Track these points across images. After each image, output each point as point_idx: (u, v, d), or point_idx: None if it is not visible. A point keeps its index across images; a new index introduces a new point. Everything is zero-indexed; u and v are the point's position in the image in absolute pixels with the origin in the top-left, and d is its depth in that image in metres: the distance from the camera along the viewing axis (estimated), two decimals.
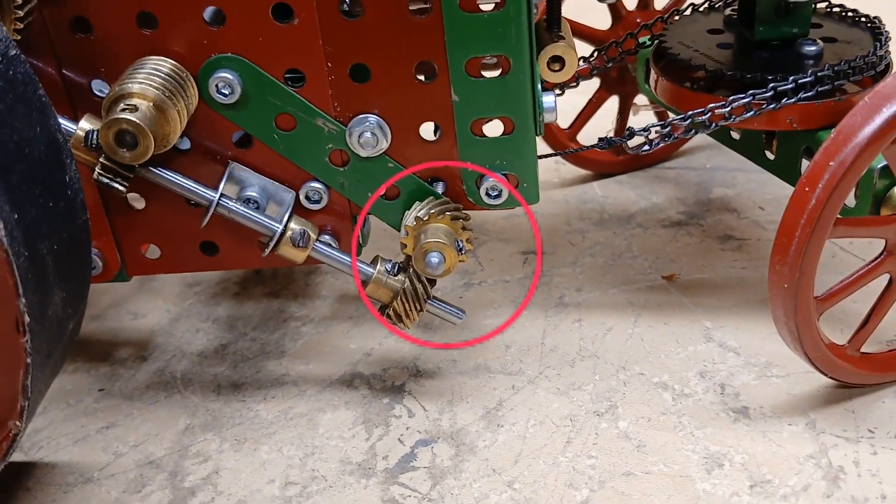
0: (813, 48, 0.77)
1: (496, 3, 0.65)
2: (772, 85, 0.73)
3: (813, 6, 0.84)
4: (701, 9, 0.90)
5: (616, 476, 0.69)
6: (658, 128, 0.76)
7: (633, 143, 0.78)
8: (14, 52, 0.56)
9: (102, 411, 0.79)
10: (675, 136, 0.76)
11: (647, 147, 0.76)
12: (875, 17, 0.83)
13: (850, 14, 0.84)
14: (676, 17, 0.89)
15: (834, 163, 0.63)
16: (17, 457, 0.74)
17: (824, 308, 0.70)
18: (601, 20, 1.02)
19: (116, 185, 0.67)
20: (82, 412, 0.79)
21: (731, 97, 0.74)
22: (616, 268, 0.93)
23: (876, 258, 0.71)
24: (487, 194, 0.73)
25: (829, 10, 0.86)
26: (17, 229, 0.52)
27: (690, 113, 0.75)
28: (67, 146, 0.59)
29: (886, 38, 0.79)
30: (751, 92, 0.74)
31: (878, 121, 0.63)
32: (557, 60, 0.75)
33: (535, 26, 0.70)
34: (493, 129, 0.72)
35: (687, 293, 0.88)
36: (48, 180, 0.56)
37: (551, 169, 1.12)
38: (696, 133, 0.76)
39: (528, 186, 0.73)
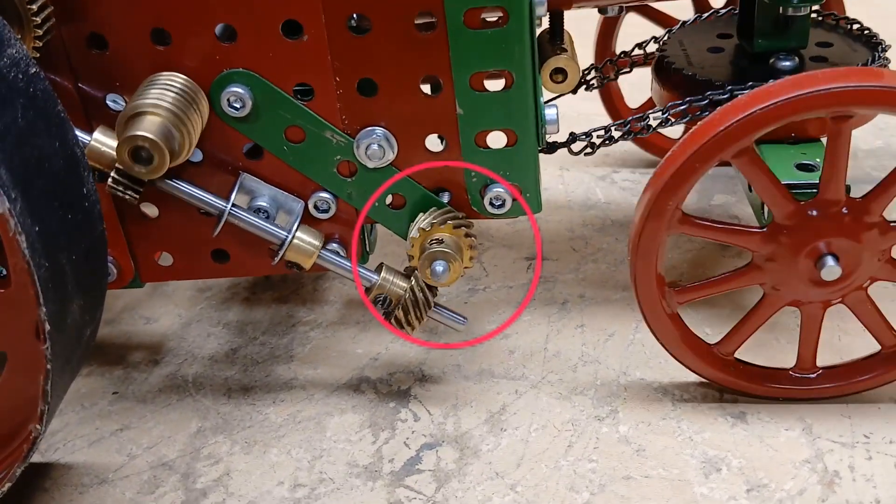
0: (787, 63, 0.79)
1: (499, 19, 0.67)
2: (709, 93, 0.75)
3: (820, 19, 0.86)
4: (705, 17, 0.92)
5: (616, 480, 0.70)
6: (601, 132, 0.80)
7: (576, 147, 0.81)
8: (34, 69, 0.58)
9: (116, 414, 0.81)
10: (617, 139, 0.79)
11: (589, 150, 0.79)
12: (876, 34, 0.84)
13: (852, 28, 0.85)
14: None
15: (669, 169, 0.68)
16: (34, 458, 0.75)
17: (683, 300, 0.74)
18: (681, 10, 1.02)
19: (129, 195, 0.69)
20: (97, 415, 0.82)
21: (669, 104, 0.76)
22: (618, 274, 0.95)
23: (740, 268, 0.73)
24: (491, 204, 0.75)
25: (835, 23, 0.87)
26: (38, 241, 0.54)
27: (630, 118, 0.78)
28: (85, 159, 0.61)
29: (883, 48, 0.80)
30: (688, 98, 0.76)
31: (713, 133, 0.66)
32: (560, 72, 0.78)
33: (537, 39, 0.72)
34: (497, 140, 0.73)
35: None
36: (67, 193, 0.58)
37: (554, 175, 1.13)
38: (647, 134, 0.79)
39: (530, 196, 0.75)
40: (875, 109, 0.66)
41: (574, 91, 0.91)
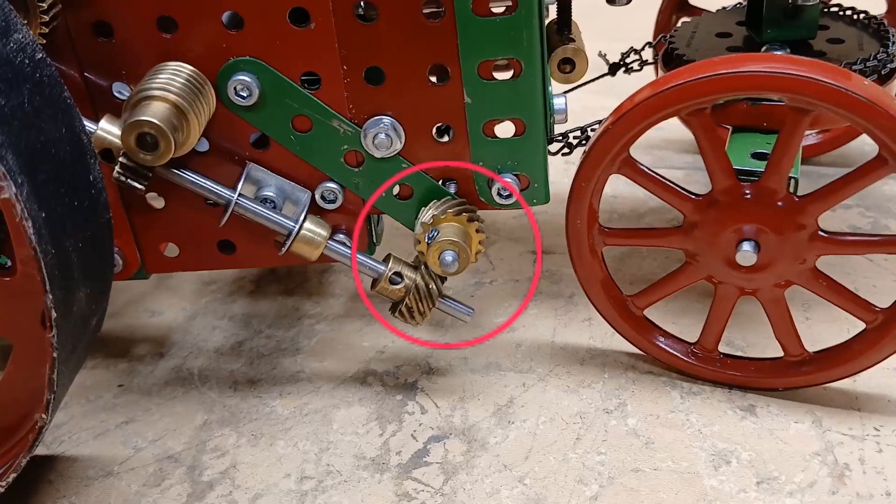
0: (778, 53, 0.78)
1: (508, 7, 0.67)
2: None
3: (829, 9, 0.85)
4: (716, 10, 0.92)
5: (625, 472, 0.70)
6: (577, 133, 0.80)
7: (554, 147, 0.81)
8: (40, 55, 0.57)
9: (122, 407, 0.81)
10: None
11: (567, 150, 0.78)
12: (889, 33, 0.83)
13: (863, 18, 0.85)
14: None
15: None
16: (39, 451, 0.75)
17: (643, 304, 0.77)
18: None
19: (136, 184, 0.69)
20: (102, 407, 0.81)
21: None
22: (625, 267, 0.94)
23: (679, 267, 0.75)
24: (499, 194, 0.75)
25: (843, 13, 0.86)
26: (45, 227, 0.53)
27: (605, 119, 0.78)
28: (91, 147, 0.61)
29: (886, 47, 0.79)
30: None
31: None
32: (568, 62, 0.77)
33: (545, 29, 0.71)
34: (505, 130, 0.73)
35: (694, 292, 0.89)
36: (73, 180, 0.58)
37: (561, 169, 1.13)
38: None
39: (538, 187, 0.75)
40: (733, 94, 0.67)
41: (612, 73, 0.91)
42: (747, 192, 0.69)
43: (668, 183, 0.72)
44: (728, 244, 0.71)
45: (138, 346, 0.89)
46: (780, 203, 0.69)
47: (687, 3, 1.08)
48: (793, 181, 0.70)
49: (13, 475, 0.63)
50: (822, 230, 0.69)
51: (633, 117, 0.68)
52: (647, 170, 0.72)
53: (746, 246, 0.70)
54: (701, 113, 0.68)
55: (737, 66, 0.65)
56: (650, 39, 0.96)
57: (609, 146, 0.70)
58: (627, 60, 0.92)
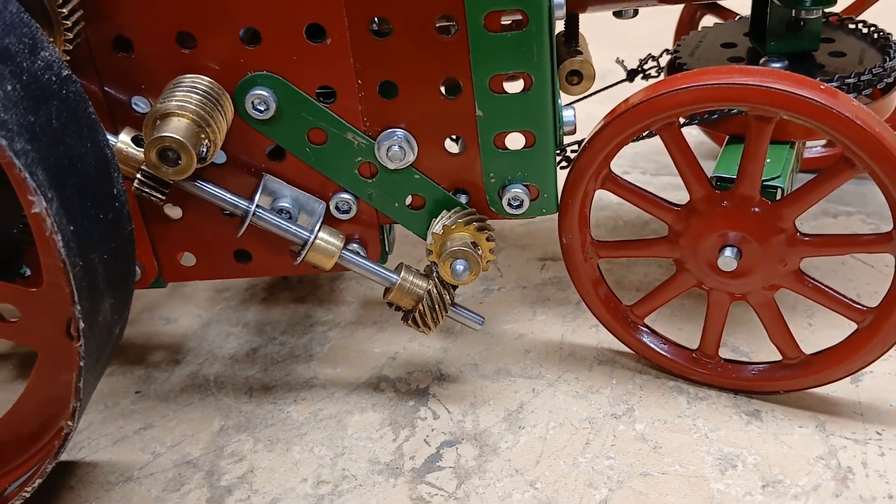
0: (777, 65, 0.80)
1: (519, 23, 0.68)
2: None
3: (841, 22, 0.87)
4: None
5: (634, 476, 0.71)
6: (575, 146, 0.81)
7: None
8: (66, 72, 0.59)
9: (139, 413, 0.82)
10: None
11: (565, 164, 0.80)
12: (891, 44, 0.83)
13: (871, 32, 0.85)
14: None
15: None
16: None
17: (643, 313, 0.80)
18: None
19: (156, 196, 0.70)
20: (120, 414, 0.82)
21: None
22: (631, 274, 0.96)
23: (672, 275, 0.77)
24: (509, 204, 0.76)
25: (850, 24, 0.87)
26: (73, 240, 0.55)
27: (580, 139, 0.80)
28: (114, 160, 0.63)
29: (885, 62, 0.79)
30: None
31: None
32: (576, 74, 0.79)
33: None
34: (515, 141, 0.74)
35: (700, 299, 0.90)
36: (98, 193, 0.60)
37: None
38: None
39: (547, 197, 0.76)
40: (692, 108, 0.69)
41: (631, 80, 0.92)
42: (724, 200, 0.71)
43: (649, 195, 0.75)
44: (711, 251, 0.73)
45: (154, 353, 0.91)
46: (756, 209, 0.71)
47: (715, 3, 1.06)
48: (779, 190, 0.71)
49: (39, 481, 0.64)
50: (801, 233, 0.71)
51: (608, 134, 0.71)
52: (628, 183, 0.75)
53: (728, 252, 0.72)
54: (670, 126, 0.70)
55: (691, 82, 0.67)
56: (657, 48, 0.97)
57: (590, 163, 0.73)
58: (645, 67, 0.92)
